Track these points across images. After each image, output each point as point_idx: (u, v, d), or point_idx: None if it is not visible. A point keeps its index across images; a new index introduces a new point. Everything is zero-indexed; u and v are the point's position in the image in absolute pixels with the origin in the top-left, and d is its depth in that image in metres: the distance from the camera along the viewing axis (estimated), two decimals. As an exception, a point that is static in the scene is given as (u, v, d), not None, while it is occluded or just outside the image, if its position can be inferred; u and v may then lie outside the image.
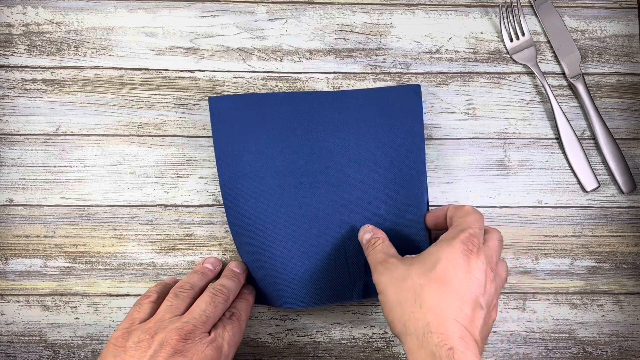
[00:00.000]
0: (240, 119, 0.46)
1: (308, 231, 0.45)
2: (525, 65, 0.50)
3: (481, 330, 0.35)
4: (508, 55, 0.50)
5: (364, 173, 0.46)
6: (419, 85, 0.47)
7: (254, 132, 0.46)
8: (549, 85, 0.49)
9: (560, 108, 0.49)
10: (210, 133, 0.48)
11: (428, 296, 0.35)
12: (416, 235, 0.45)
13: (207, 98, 0.49)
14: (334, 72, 0.49)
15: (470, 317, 0.35)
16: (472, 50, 0.50)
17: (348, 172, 0.46)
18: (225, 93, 0.49)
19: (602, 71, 0.50)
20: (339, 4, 0.50)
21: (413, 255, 0.39)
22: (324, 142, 0.46)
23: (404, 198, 0.46)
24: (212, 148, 0.48)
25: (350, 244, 0.45)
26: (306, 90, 0.49)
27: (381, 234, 0.42)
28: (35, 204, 0.47)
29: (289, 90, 0.49)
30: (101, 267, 0.47)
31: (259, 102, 0.46)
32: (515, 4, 0.50)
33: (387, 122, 0.46)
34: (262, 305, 0.46)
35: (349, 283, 0.45)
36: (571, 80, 0.49)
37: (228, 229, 0.47)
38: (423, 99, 0.49)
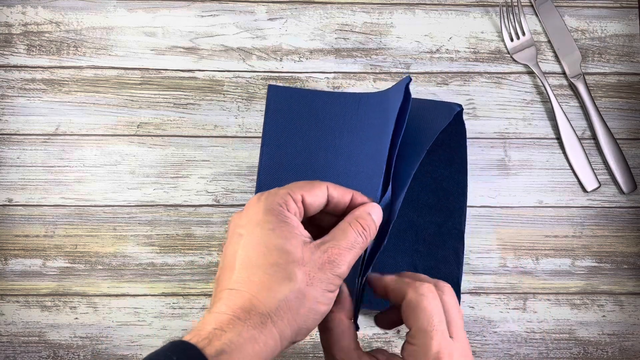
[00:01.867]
0: (293, 111, 0.46)
1: None
2: (525, 65, 0.50)
3: None
4: (508, 55, 0.50)
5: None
6: (460, 105, 0.45)
7: (302, 126, 0.46)
8: (549, 85, 0.49)
9: (561, 108, 0.49)
10: (210, 133, 0.48)
11: None
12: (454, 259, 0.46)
13: (207, 98, 0.49)
14: (334, 72, 0.49)
15: None
16: (472, 50, 0.50)
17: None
18: (225, 93, 0.49)
19: (602, 71, 0.50)
20: (339, 3, 0.50)
21: None
22: (367, 146, 0.46)
23: (446, 213, 0.46)
24: (212, 148, 0.48)
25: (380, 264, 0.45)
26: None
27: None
28: (35, 204, 0.47)
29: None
30: (101, 267, 0.47)
31: (314, 97, 0.47)
32: (516, 4, 0.50)
33: (432, 139, 0.46)
34: None
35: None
36: (572, 80, 0.49)
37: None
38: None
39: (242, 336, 0.28)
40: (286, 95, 0.47)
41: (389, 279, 0.35)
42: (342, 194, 0.34)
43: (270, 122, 0.47)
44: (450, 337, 0.32)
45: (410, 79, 0.37)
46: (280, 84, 0.49)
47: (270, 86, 0.47)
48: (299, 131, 0.46)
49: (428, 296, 0.32)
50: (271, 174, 0.46)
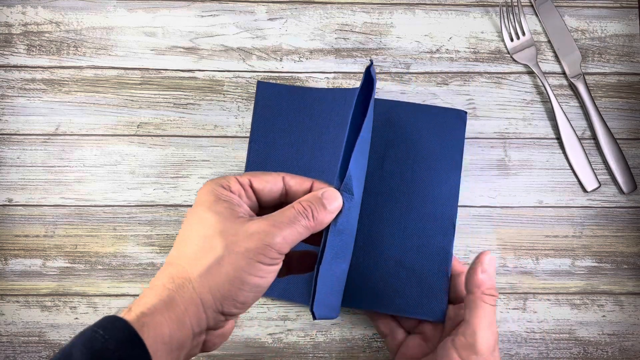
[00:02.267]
0: (281, 107, 0.47)
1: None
2: (525, 65, 0.50)
3: None
4: (508, 55, 0.50)
5: (395, 184, 0.45)
6: (465, 112, 0.47)
7: (290, 122, 0.47)
8: (549, 85, 0.49)
9: (561, 108, 0.49)
10: (210, 133, 0.48)
11: None
12: (438, 257, 0.44)
13: (207, 98, 0.49)
14: (334, 72, 0.49)
15: None
16: (472, 50, 0.50)
17: (376, 180, 0.45)
18: (225, 93, 0.49)
19: (602, 71, 0.50)
20: (339, 3, 0.50)
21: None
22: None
23: (431, 216, 0.45)
24: (212, 148, 0.48)
25: (365, 255, 0.44)
26: (306, 90, 0.49)
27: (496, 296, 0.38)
28: (35, 204, 0.47)
29: (289, 90, 0.49)
30: (101, 267, 0.47)
31: (303, 94, 0.47)
32: (516, 4, 0.50)
33: (428, 143, 0.46)
34: (275, 298, 0.45)
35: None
36: (572, 80, 0.49)
37: None
38: (422, 102, 0.49)
39: (162, 299, 0.29)
40: (274, 91, 0.48)
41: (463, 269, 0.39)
42: (300, 183, 0.35)
43: (259, 119, 0.47)
44: None
45: (372, 62, 0.36)
46: (272, 82, 0.49)
47: (259, 83, 0.48)
48: (287, 127, 0.47)
49: (492, 302, 0.37)
50: (258, 168, 0.46)
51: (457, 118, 0.47)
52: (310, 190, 0.35)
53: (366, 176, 0.44)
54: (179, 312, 0.28)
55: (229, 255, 0.30)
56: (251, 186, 0.34)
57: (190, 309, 0.29)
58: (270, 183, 0.34)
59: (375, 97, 0.47)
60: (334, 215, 0.34)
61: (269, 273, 0.31)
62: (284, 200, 0.35)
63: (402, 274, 0.44)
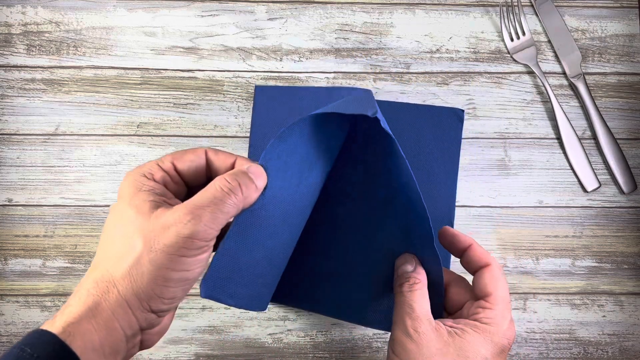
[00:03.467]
0: (279, 110, 0.47)
1: (320, 235, 0.42)
2: (525, 65, 0.50)
3: None
4: (509, 55, 0.50)
5: (394, 187, 0.44)
6: (462, 110, 0.48)
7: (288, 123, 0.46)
8: (549, 85, 0.49)
9: (561, 108, 0.49)
10: (210, 133, 0.48)
11: None
12: (434, 254, 0.42)
13: (207, 98, 0.49)
14: (334, 72, 0.49)
15: None
16: (472, 50, 0.50)
17: (372, 179, 0.43)
18: (225, 93, 0.49)
19: (602, 71, 0.50)
20: (339, 3, 0.50)
21: (445, 326, 0.34)
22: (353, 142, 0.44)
23: (430, 215, 0.43)
24: (212, 148, 0.48)
25: (360, 257, 0.41)
26: (306, 90, 0.49)
27: (423, 277, 0.36)
28: (35, 204, 0.47)
29: (289, 90, 0.49)
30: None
31: (300, 94, 0.47)
32: (516, 4, 0.50)
33: (427, 143, 0.46)
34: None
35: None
36: (572, 80, 0.49)
37: None
38: (424, 102, 0.49)
39: (87, 306, 0.27)
40: (273, 94, 0.48)
41: (473, 241, 0.37)
42: (223, 158, 0.33)
43: (257, 123, 0.47)
44: None
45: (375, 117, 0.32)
46: (270, 85, 0.49)
47: (257, 87, 0.48)
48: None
49: (504, 273, 0.37)
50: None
51: (454, 117, 0.47)
52: (233, 166, 0.33)
53: (367, 178, 0.42)
54: (106, 318, 0.27)
55: (149, 254, 0.28)
56: (175, 169, 0.32)
57: (118, 313, 0.28)
58: (195, 162, 0.32)
59: (396, 100, 0.48)
60: (259, 192, 0.32)
61: (196, 264, 0.29)
62: (210, 175, 0.33)
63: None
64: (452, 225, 0.46)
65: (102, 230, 0.31)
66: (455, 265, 0.45)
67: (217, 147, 0.48)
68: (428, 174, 0.46)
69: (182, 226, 0.28)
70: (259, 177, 0.32)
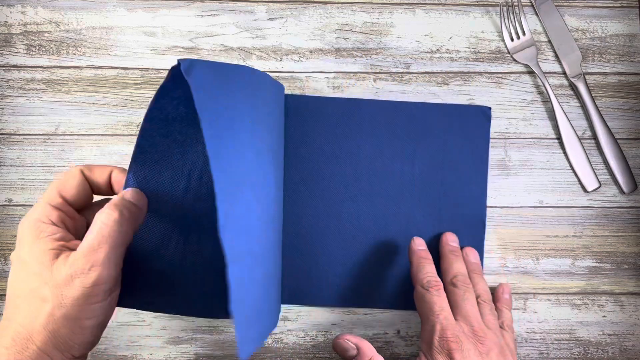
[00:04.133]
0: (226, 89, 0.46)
1: (346, 237, 0.47)
2: (526, 65, 0.50)
3: None
4: (509, 55, 0.50)
5: (426, 186, 0.47)
6: (489, 108, 0.48)
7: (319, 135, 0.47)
8: (549, 84, 0.49)
9: (561, 108, 0.48)
10: (209, 133, 0.48)
11: None
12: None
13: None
14: (334, 72, 0.49)
15: None
16: (472, 50, 0.50)
17: (408, 182, 0.47)
18: (225, 93, 0.49)
19: (603, 71, 0.50)
20: (339, 3, 0.50)
21: None
22: (379, 148, 0.47)
23: (461, 216, 0.47)
24: (212, 148, 0.48)
25: (402, 257, 0.47)
26: (307, 90, 0.49)
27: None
28: (34, 203, 0.47)
29: (289, 90, 0.49)
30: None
31: (326, 105, 0.48)
32: (516, 4, 0.50)
33: (456, 142, 0.47)
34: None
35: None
36: (572, 79, 0.49)
37: None
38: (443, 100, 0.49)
39: None
40: (299, 104, 0.48)
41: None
42: (99, 174, 0.34)
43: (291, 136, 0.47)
44: (455, 319, 0.38)
45: (179, 63, 0.29)
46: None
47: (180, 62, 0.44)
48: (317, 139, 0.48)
49: (430, 291, 0.39)
50: (295, 190, 0.47)
51: (481, 115, 0.48)
52: (109, 180, 0.34)
53: (401, 177, 0.47)
54: None
55: (60, 309, 0.28)
56: (66, 200, 0.32)
57: None
58: (77, 186, 0.33)
59: (396, 100, 0.48)
60: (144, 212, 0.33)
61: (108, 305, 0.30)
62: (99, 192, 0.34)
63: None
64: (484, 224, 0.47)
65: (7, 281, 0.31)
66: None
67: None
68: (457, 173, 0.47)
69: (84, 277, 0.28)
70: (139, 199, 0.33)
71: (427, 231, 0.47)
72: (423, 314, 0.39)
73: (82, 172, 0.34)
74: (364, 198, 0.47)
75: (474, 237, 0.47)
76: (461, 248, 0.46)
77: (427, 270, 0.41)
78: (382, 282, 0.46)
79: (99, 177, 0.34)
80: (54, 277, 0.29)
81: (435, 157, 0.47)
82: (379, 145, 0.47)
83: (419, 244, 0.43)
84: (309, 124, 0.47)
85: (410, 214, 0.47)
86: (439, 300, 0.38)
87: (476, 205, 0.47)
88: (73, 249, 0.30)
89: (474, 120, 0.48)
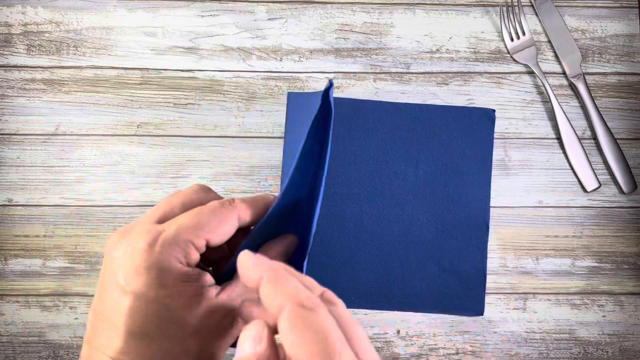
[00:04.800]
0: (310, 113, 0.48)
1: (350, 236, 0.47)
2: (525, 65, 0.50)
3: None
4: (509, 55, 0.50)
5: (430, 188, 0.47)
6: (493, 110, 0.48)
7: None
8: (549, 85, 0.49)
9: (561, 108, 0.48)
10: (210, 133, 0.48)
11: None
12: (474, 257, 0.47)
13: (207, 98, 0.49)
14: (334, 72, 0.49)
15: None
16: (472, 50, 0.50)
17: (411, 183, 0.47)
18: (225, 93, 0.49)
19: (602, 71, 0.50)
20: (339, 3, 0.50)
21: None
22: (383, 150, 0.48)
23: (465, 217, 0.47)
24: (212, 148, 0.48)
25: (407, 258, 0.47)
26: (306, 89, 0.49)
27: None
28: (35, 204, 0.47)
29: (289, 89, 0.49)
30: (100, 267, 0.47)
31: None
32: (516, 4, 0.50)
33: (459, 144, 0.47)
34: None
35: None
36: (572, 80, 0.49)
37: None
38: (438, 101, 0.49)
39: None
40: (304, 101, 0.48)
41: (261, 271, 0.23)
42: (255, 214, 0.29)
43: (290, 130, 0.47)
44: None
45: (331, 84, 0.31)
46: (271, 84, 0.49)
47: (289, 95, 0.47)
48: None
49: (319, 311, 0.21)
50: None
51: (485, 117, 0.48)
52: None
53: (404, 179, 0.47)
54: None
55: (204, 357, 0.26)
56: (207, 244, 0.27)
57: None
58: (227, 233, 0.27)
59: (401, 101, 0.49)
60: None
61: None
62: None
63: (442, 275, 0.46)
64: (487, 226, 0.47)
65: (110, 299, 0.25)
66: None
67: (218, 148, 0.48)
68: (461, 175, 0.47)
69: (232, 324, 0.27)
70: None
71: (430, 233, 0.47)
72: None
73: (238, 217, 0.28)
74: (367, 199, 0.47)
75: (477, 238, 0.47)
76: (465, 248, 0.46)
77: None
78: (385, 283, 0.46)
79: (256, 217, 0.29)
80: (208, 322, 0.26)
81: (439, 159, 0.47)
82: (382, 146, 0.47)
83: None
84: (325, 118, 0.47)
85: (413, 215, 0.47)
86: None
87: (480, 207, 0.47)
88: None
89: (478, 123, 0.48)
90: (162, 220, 0.27)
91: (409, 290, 0.46)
